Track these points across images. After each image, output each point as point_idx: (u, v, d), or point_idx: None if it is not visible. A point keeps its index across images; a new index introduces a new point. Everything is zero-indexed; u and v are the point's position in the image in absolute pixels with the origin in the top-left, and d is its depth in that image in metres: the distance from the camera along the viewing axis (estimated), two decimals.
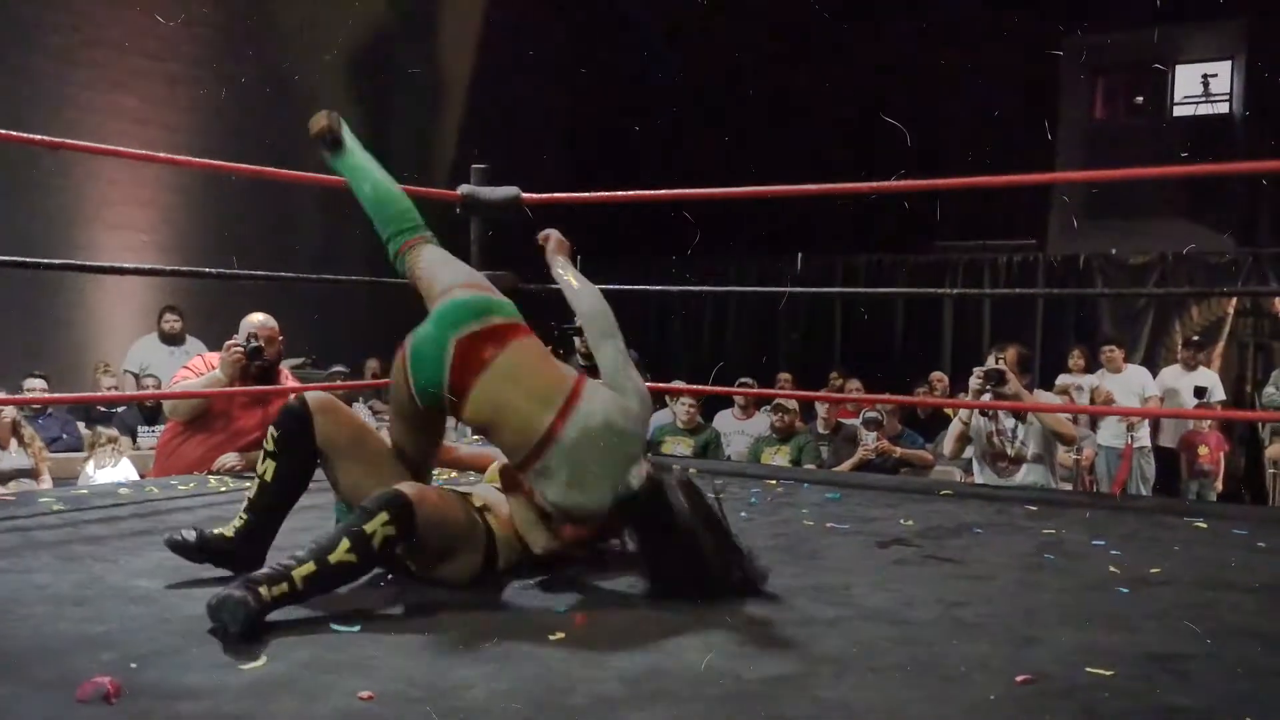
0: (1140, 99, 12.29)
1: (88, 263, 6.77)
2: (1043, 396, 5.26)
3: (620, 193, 5.25)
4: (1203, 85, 11.75)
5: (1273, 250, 10.13)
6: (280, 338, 4.37)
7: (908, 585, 2.64)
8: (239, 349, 4.19)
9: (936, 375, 8.64)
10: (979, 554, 3.02)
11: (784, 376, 9.24)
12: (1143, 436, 8.01)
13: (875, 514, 3.67)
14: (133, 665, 1.89)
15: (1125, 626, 2.29)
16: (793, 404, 7.08)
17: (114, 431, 5.99)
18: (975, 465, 5.06)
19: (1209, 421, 8.01)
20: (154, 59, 9.58)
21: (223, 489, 3.87)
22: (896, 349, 11.10)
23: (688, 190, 5.15)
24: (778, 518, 3.55)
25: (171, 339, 7.85)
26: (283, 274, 5.48)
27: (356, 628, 2.17)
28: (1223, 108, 11.86)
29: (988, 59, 10.36)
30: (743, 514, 3.51)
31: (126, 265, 5.67)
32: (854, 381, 8.49)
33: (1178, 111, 12.00)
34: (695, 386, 7.18)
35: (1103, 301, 10.21)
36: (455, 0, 12.33)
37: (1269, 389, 7.99)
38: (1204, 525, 3.54)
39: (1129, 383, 8.11)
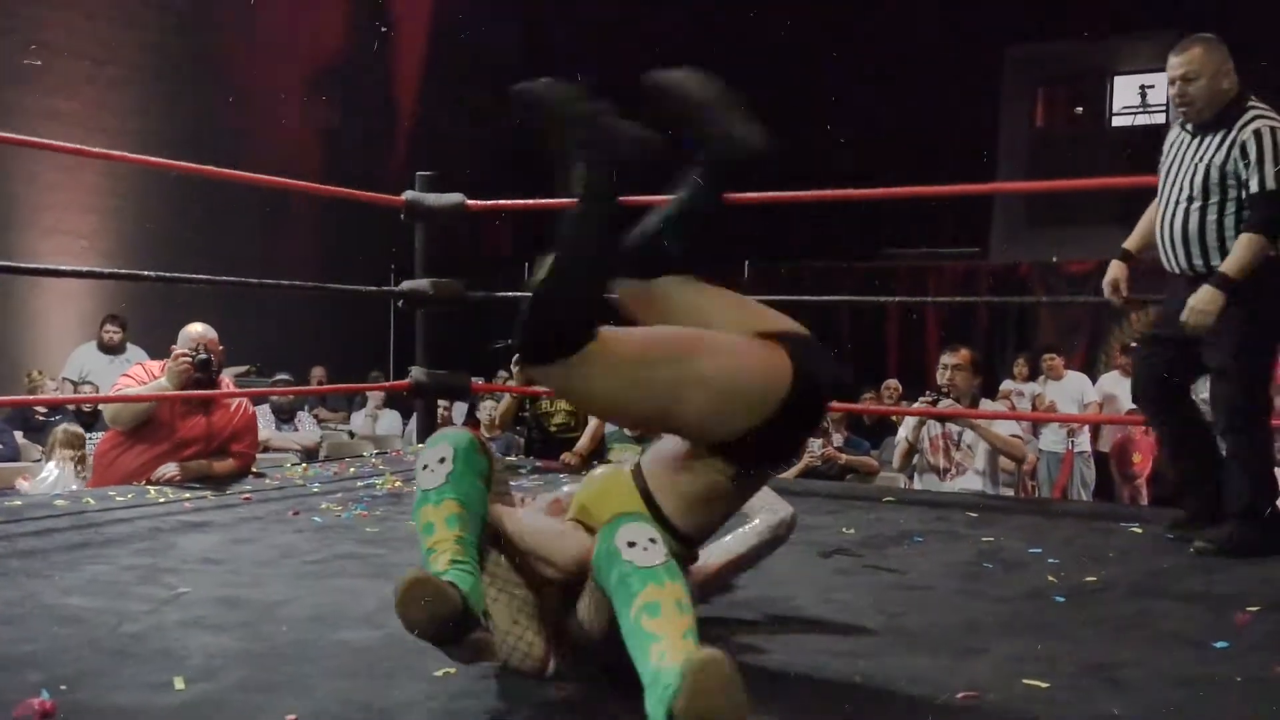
0: (1080, 109, 12.49)
1: (23, 264, 6.65)
2: (989, 408, 5.32)
3: (563, 200, 5.24)
4: (1140, 96, 11.96)
5: None
6: (220, 348, 4.32)
7: (849, 595, 2.65)
8: (187, 359, 4.13)
9: (890, 383, 8.71)
10: (919, 563, 3.05)
11: None
12: (1083, 442, 8.12)
13: (818, 522, 3.68)
14: (63, 687, 1.85)
15: (1062, 636, 2.32)
16: None
17: (78, 429, 5.84)
18: (915, 474, 5.11)
19: (1143, 426, 8.13)
20: (94, 63, 9.43)
21: (161, 500, 3.81)
22: (843, 356, 11.17)
23: (632, 199, 5.13)
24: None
25: (111, 349, 7.73)
26: (226, 279, 5.41)
27: (292, 648, 2.14)
28: (1160, 118, 12.08)
29: (930, 67, 10.47)
30: None
31: (64, 268, 5.56)
32: None
33: (1116, 122, 12.21)
34: None
35: (1043, 309, 10.35)
36: (406, 6, 12.26)
37: (1205, 395, 8.14)
38: (1139, 530, 3.59)
39: (1069, 389, 8.23)
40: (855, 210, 9.39)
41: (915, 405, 5.21)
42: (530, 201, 5.43)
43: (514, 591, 1.94)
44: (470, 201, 5.24)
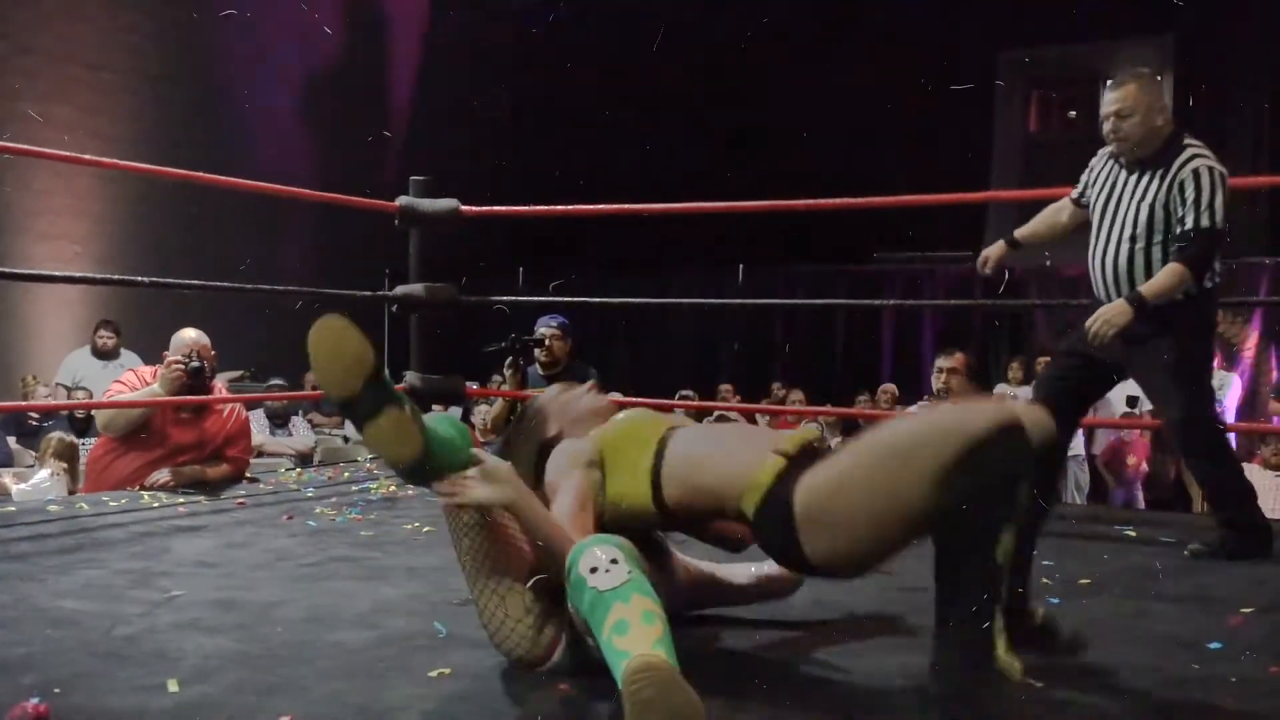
0: (1073, 113, 12.51)
1: (16, 270, 6.63)
2: None
3: (559, 207, 5.25)
4: None
5: None
6: (213, 353, 4.31)
7: (845, 597, 2.65)
8: (180, 366, 4.12)
9: (886, 387, 8.72)
10: (914, 565, 3.03)
11: (725, 388, 9.28)
12: (1077, 445, 8.13)
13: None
14: (56, 690, 1.84)
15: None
16: (734, 415, 7.09)
17: (71, 437, 5.84)
18: None
19: (1137, 430, 8.15)
20: (87, 68, 9.42)
21: (155, 504, 3.81)
22: (838, 360, 11.18)
23: (627, 205, 5.16)
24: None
25: (105, 354, 7.71)
26: (219, 284, 5.41)
27: (287, 650, 2.14)
28: None
29: (924, 72, 10.49)
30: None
31: (57, 274, 5.56)
32: (796, 392, 8.55)
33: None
34: (636, 400, 7.16)
35: (1038, 312, 10.35)
36: (400, 11, 12.27)
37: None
38: (1133, 533, 3.60)
39: None
40: (849, 215, 9.40)
41: (911, 410, 5.22)
42: (525, 208, 5.44)
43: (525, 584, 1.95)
44: (464, 207, 5.24)
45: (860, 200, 4.96)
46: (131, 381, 4.26)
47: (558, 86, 12.23)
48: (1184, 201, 3.12)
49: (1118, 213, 3.27)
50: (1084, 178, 3.48)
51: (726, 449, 2.01)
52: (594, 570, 1.73)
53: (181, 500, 3.90)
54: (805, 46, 11.29)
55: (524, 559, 1.97)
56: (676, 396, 8.12)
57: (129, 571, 2.78)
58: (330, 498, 4.13)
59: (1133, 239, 3.22)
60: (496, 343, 5.08)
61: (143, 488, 4.07)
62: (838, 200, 4.92)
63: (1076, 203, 3.53)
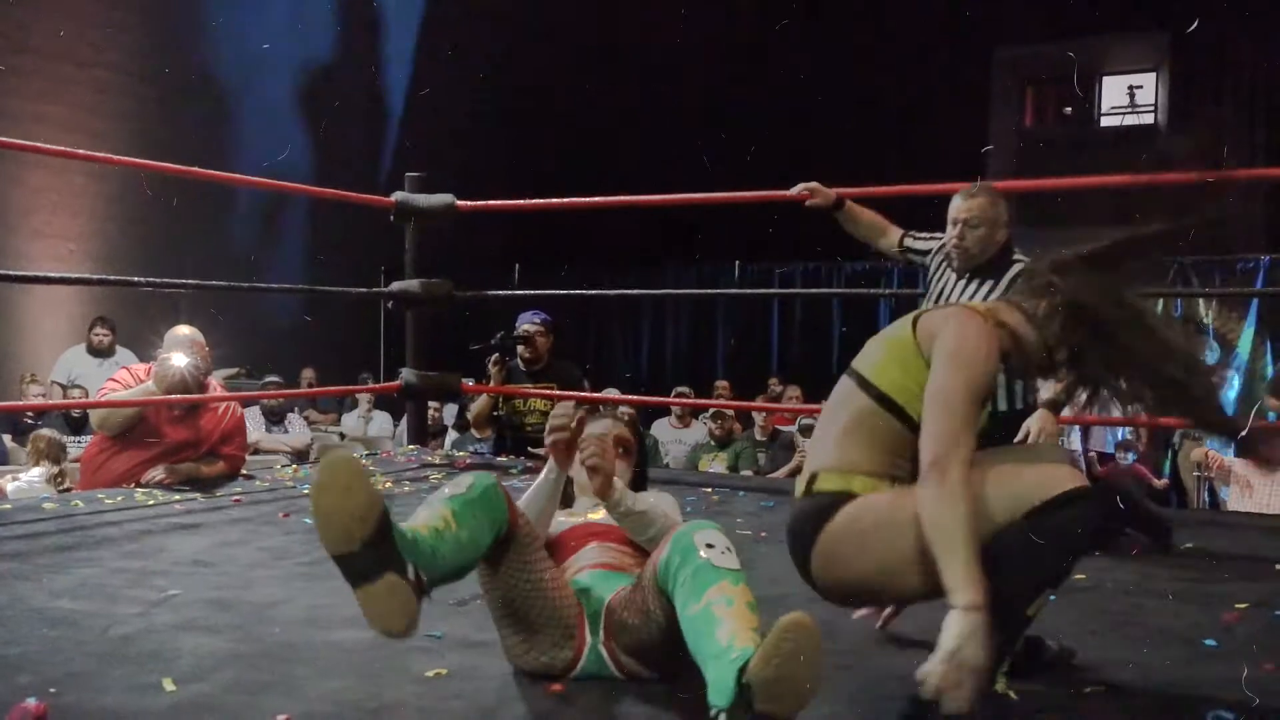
0: (1069, 109, 12.53)
1: (11, 271, 6.63)
2: None
3: (555, 200, 5.25)
4: (1129, 96, 12.00)
5: (1197, 257, 10.35)
6: (207, 350, 4.30)
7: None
8: (179, 369, 4.11)
9: None
10: None
11: (722, 384, 9.28)
12: (1073, 442, 8.14)
13: None
14: (52, 690, 1.84)
15: (1053, 635, 2.32)
16: (730, 410, 7.11)
17: (59, 438, 5.83)
18: None
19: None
20: (82, 66, 9.40)
21: (150, 502, 3.80)
22: (834, 356, 11.19)
23: (622, 198, 5.15)
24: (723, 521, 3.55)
25: (100, 352, 7.70)
26: (214, 283, 5.40)
27: (283, 649, 2.14)
28: (1148, 118, 12.12)
29: (920, 68, 10.49)
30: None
31: (53, 275, 5.55)
32: (793, 388, 8.55)
33: (1105, 122, 12.25)
34: (630, 396, 7.17)
35: None
36: (395, 7, 12.25)
37: None
38: (1128, 530, 3.60)
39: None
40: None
41: None
42: (521, 202, 5.43)
43: (556, 592, 1.94)
44: (460, 202, 5.24)
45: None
46: (125, 379, 4.26)
47: (553, 80, 12.22)
48: None
49: None
50: (922, 247, 3.61)
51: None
52: (710, 546, 1.76)
53: (177, 498, 3.90)
54: (802, 39, 11.28)
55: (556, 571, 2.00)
56: (673, 393, 8.12)
57: (125, 570, 2.78)
58: None
59: None
60: (484, 340, 5.10)
61: (138, 485, 4.07)
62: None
63: (902, 244, 3.62)
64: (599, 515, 2.28)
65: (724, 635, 1.65)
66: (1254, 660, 2.14)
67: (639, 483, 2.41)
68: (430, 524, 1.81)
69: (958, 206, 3.33)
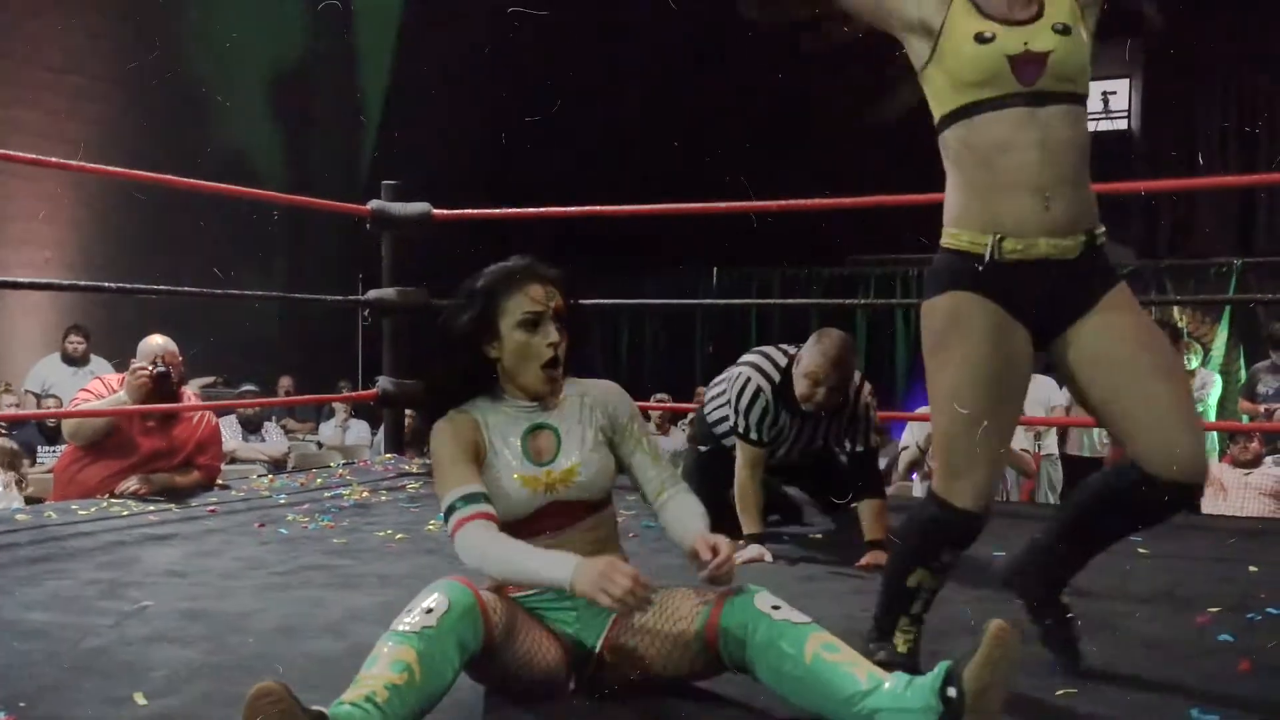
0: None
1: None
2: None
3: (531, 209, 5.25)
4: (1103, 102, 12.09)
5: (1172, 261, 10.44)
6: (180, 359, 4.27)
7: (816, 601, 2.66)
8: (145, 374, 4.09)
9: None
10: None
11: (701, 390, 9.28)
12: (1050, 445, 8.17)
13: (786, 529, 3.70)
14: (22, 704, 1.83)
15: (1027, 639, 2.33)
16: None
17: (13, 446, 5.77)
18: (917, 482, 5.12)
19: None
20: (57, 72, 9.34)
21: (124, 513, 3.77)
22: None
23: (599, 207, 5.16)
24: None
25: (75, 360, 7.65)
26: (189, 289, 5.39)
27: (257, 661, 2.12)
28: (1122, 124, 12.21)
29: (897, 75, 10.53)
30: (651, 530, 3.51)
31: (24, 280, 5.51)
32: None
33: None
34: None
35: None
36: (372, 13, 12.22)
37: None
38: None
39: (1036, 392, 8.25)
40: (822, 216, 9.44)
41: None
42: (496, 211, 5.43)
43: (540, 658, 1.88)
44: (436, 210, 5.23)
45: (832, 201, 4.99)
46: (98, 389, 4.23)
47: (531, 89, 12.22)
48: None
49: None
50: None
51: None
52: (777, 607, 1.80)
53: (152, 509, 3.87)
54: (778, 48, 11.30)
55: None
56: (652, 399, 8.12)
57: (98, 582, 2.76)
58: (303, 504, 4.11)
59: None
60: None
61: (112, 496, 4.04)
62: (810, 201, 4.95)
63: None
64: (568, 469, 1.99)
65: (860, 674, 1.72)
66: (1229, 662, 2.15)
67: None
68: (387, 685, 1.64)
69: (830, 377, 3.26)
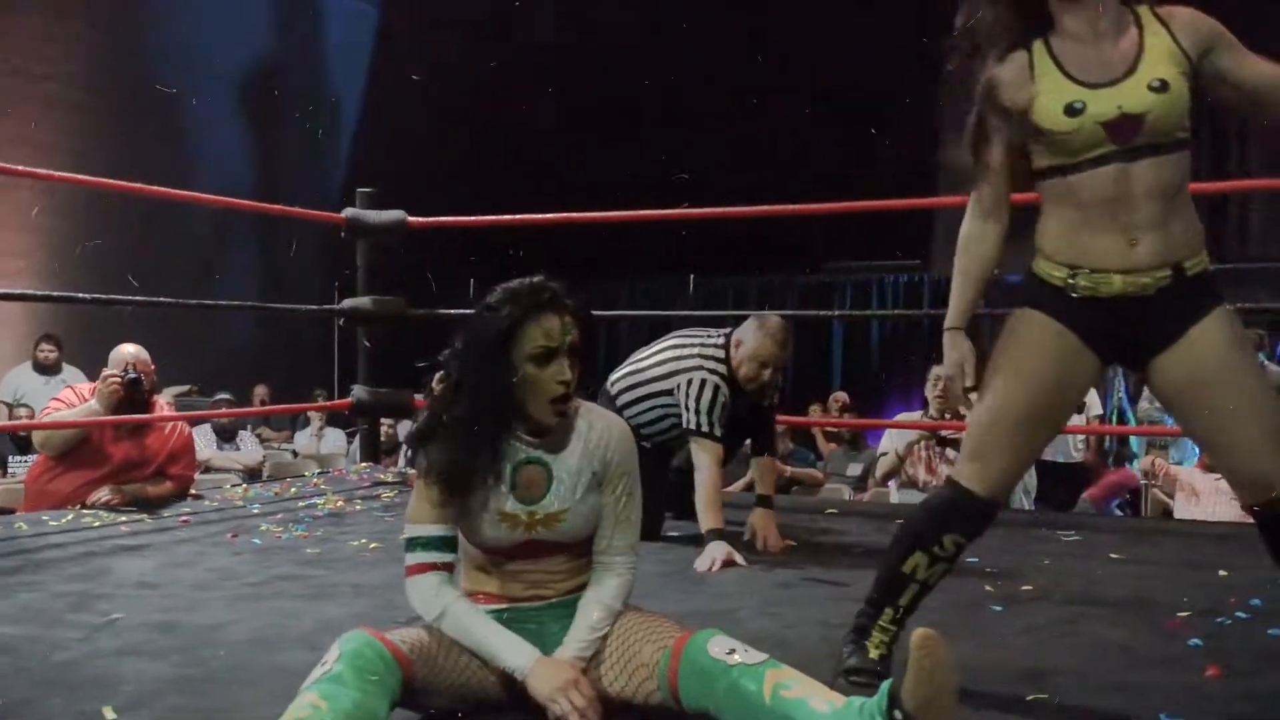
0: None
1: None
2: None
3: (506, 217, 5.25)
4: None
5: None
6: (152, 368, 4.25)
7: (791, 609, 2.67)
8: (116, 380, 4.06)
9: (838, 395, 8.77)
10: (860, 575, 3.06)
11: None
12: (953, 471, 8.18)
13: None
14: None
15: (998, 645, 2.35)
16: None
17: None
18: (894, 489, 5.13)
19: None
20: (30, 80, 9.28)
21: (96, 524, 3.75)
22: (789, 370, 11.26)
23: (575, 214, 5.16)
24: (664, 543, 3.55)
25: (46, 369, 7.58)
26: (163, 300, 5.34)
27: (228, 673, 2.11)
28: None
29: (871, 83, 10.61)
30: None
31: None
32: None
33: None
34: None
35: (985, 320, 10.47)
36: (344, 21, 12.20)
37: (1143, 403, 8.26)
38: (1077, 538, 3.65)
39: None
40: (798, 224, 9.49)
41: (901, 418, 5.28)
42: (472, 219, 5.43)
43: (482, 684, 1.89)
44: (411, 218, 5.22)
45: (807, 207, 5.00)
46: (70, 399, 4.19)
47: (507, 96, 12.23)
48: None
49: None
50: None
51: None
52: (732, 651, 1.78)
53: (124, 519, 3.85)
54: (753, 56, 11.35)
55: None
56: None
57: (68, 594, 2.74)
58: (277, 514, 4.09)
59: None
60: (430, 357, 5.09)
61: (84, 507, 4.00)
62: (785, 207, 4.96)
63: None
64: (553, 514, 1.93)
65: (820, 705, 1.71)
66: (1198, 667, 2.17)
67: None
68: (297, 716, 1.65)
69: (780, 358, 3.55)
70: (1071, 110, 1.92)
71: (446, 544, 1.90)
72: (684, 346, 3.62)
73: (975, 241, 2.11)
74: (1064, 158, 1.95)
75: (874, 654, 2.06)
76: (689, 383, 3.49)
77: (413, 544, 1.90)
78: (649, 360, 3.67)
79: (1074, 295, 1.96)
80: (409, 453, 2.05)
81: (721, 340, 3.59)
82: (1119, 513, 6.52)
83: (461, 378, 1.90)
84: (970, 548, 2.57)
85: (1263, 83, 1.96)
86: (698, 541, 3.53)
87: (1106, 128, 1.91)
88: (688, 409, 3.47)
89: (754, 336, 3.50)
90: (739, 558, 3.22)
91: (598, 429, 1.97)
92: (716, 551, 3.20)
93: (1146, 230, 1.92)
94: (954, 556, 2.04)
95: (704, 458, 3.42)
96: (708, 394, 3.46)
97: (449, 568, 1.90)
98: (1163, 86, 1.91)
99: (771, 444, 3.82)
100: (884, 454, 5.20)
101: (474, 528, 1.91)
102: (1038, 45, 2.00)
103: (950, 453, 4.91)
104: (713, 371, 3.50)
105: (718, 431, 3.45)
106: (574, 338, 1.90)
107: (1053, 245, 2.01)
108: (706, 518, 3.33)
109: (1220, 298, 1.99)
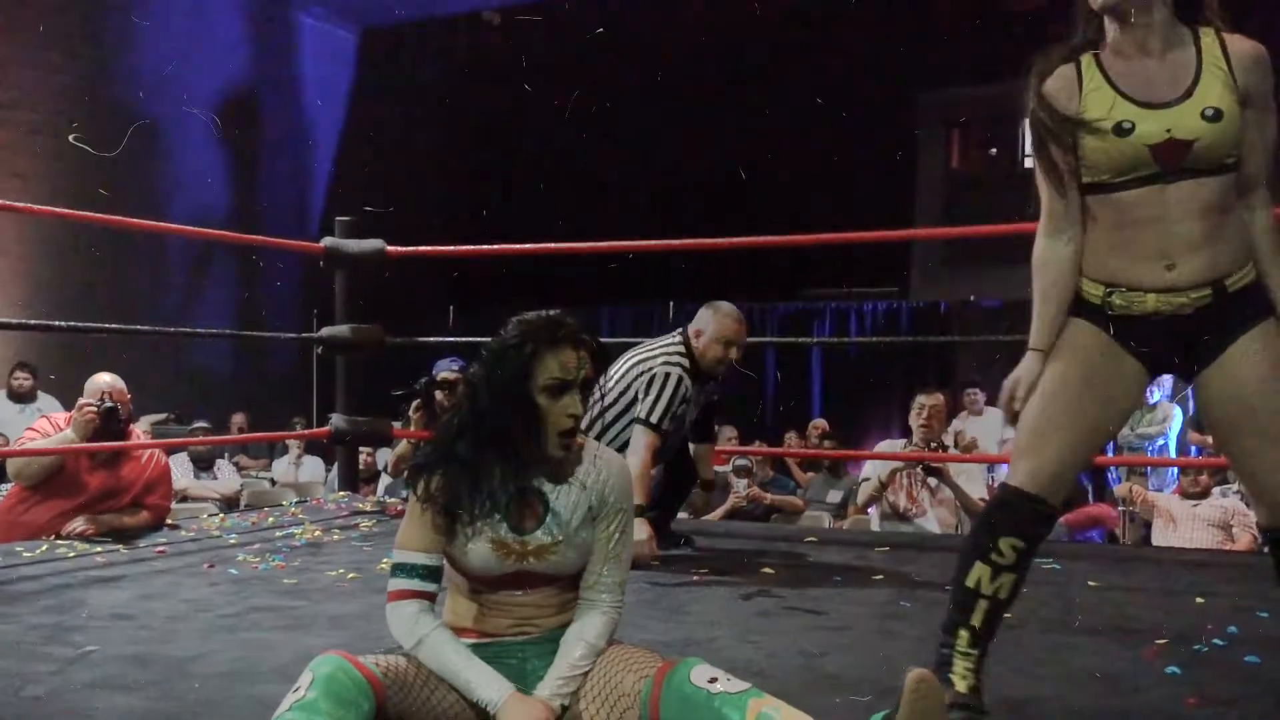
0: (994, 150, 12.82)
1: None
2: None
3: (485, 246, 5.25)
4: None
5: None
6: (128, 397, 4.22)
7: (770, 638, 2.66)
8: (92, 409, 4.04)
9: (817, 423, 8.77)
10: (839, 603, 3.07)
11: None
12: (1003, 475, 8.24)
13: (741, 564, 3.70)
14: None
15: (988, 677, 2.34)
16: None
17: None
18: (875, 516, 5.12)
19: None
20: (9, 108, 9.26)
21: (70, 554, 3.71)
22: (769, 396, 11.28)
23: (555, 244, 5.17)
24: (642, 571, 3.54)
25: (21, 397, 7.53)
26: (140, 328, 5.33)
27: (204, 706, 2.09)
28: None
29: (848, 112, 10.69)
30: None
31: None
32: (729, 429, 8.57)
33: (1029, 163, 12.54)
34: None
35: (962, 347, 10.53)
36: (322, 47, 12.22)
37: (1124, 429, 8.31)
38: (1056, 566, 3.65)
39: (989, 425, 8.35)
40: (777, 252, 9.53)
41: (883, 448, 5.27)
42: (451, 248, 5.43)
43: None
44: (390, 247, 5.22)
45: (786, 239, 5.04)
46: (45, 428, 4.16)
47: (487, 125, 12.28)
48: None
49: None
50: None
51: None
52: (714, 680, 1.76)
53: (99, 549, 3.81)
54: (732, 87, 11.43)
55: None
56: None
57: (41, 626, 2.71)
58: (253, 544, 4.06)
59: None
60: (407, 385, 5.13)
61: (59, 537, 3.97)
62: (765, 238, 4.99)
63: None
64: (544, 546, 1.91)
65: None
66: (1176, 695, 2.17)
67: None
68: None
69: (738, 343, 3.85)
70: (1120, 130, 1.92)
71: (431, 574, 1.89)
72: (647, 359, 3.79)
73: (1049, 260, 2.07)
74: (1106, 175, 1.94)
75: (962, 686, 1.97)
76: (652, 378, 3.70)
77: (397, 570, 1.90)
78: (615, 381, 3.77)
79: (1110, 313, 1.98)
80: (406, 476, 2.04)
81: (678, 337, 3.84)
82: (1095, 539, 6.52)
83: (473, 405, 1.90)
84: (948, 575, 2.57)
85: (1245, 170, 1.95)
86: (675, 568, 3.53)
87: (1152, 150, 1.90)
88: (643, 400, 3.67)
89: (713, 321, 3.78)
90: (654, 548, 3.60)
91: (599, 465, 1.97)
92: (640, 532, 3.37)
93: (1184, 251, 1.92)
94: (1017, 564, 1.99)
95: (641, 443, 3.61)
96: (670, 387, 3.67)
97: (431, 597, 1.89)
98: (1216, 116, 1.89)
99: (712, 434, 4.20)
100: (865, 480, 5.19)
101: (465, 553, 1.90)
102: (1087, 59, 2.00)
103: (933, 481, 4.91)
104: (675, 365, 3.72)
105: (665, 425, 3.66)
106: (588, 372, 1.91)
107: (1091, 263, 2.02)
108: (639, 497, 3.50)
109: (1269, 311, 1.97)
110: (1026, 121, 2.10)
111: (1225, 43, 1.94)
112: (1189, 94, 1.91)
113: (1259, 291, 1.97)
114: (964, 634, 1.99)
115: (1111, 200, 1.96)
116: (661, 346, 3.82)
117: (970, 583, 1.99)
